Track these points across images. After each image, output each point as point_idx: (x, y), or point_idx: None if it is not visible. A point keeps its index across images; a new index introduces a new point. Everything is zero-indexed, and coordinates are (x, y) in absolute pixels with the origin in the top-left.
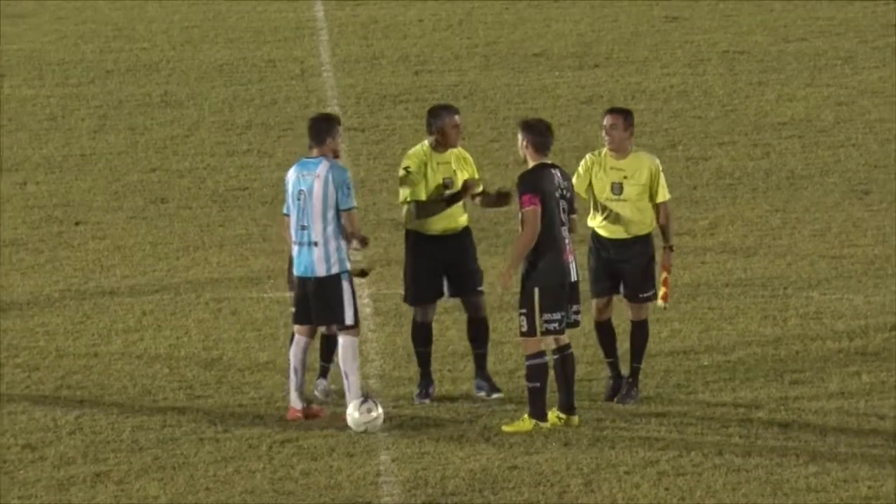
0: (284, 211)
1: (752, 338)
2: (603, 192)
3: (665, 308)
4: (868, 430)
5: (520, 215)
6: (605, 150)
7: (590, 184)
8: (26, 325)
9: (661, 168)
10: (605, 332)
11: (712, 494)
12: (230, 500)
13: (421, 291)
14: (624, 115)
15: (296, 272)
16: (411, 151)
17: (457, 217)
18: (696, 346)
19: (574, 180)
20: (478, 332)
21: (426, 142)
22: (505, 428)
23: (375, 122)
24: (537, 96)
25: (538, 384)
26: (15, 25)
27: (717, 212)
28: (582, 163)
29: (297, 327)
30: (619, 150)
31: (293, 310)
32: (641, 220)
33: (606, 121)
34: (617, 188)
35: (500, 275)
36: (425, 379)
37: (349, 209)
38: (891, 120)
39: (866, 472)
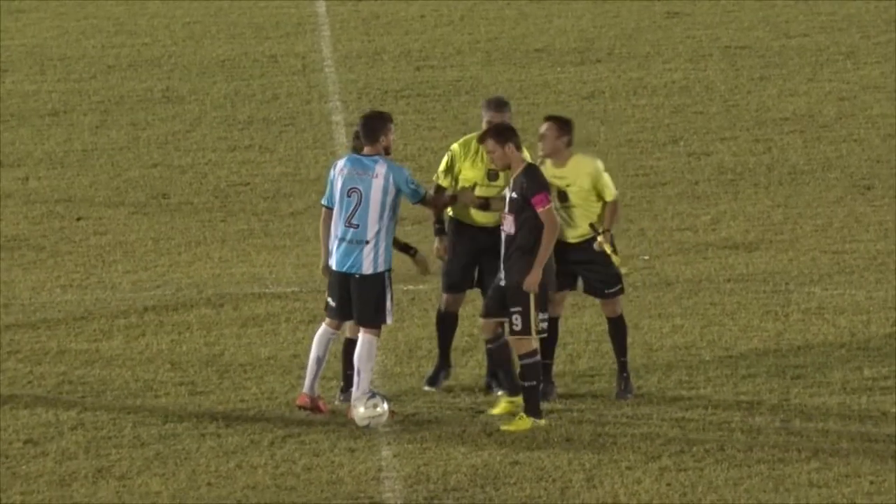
0: (325, 203)
1: (753, 333)
2: (554, 202)
3: (617, 263)
4: (870, 426)
5: (510, 217)
6: (546, 159)
7: None
8: (28, 321)
9: (601, 169)
10: (549, 328)
11: (714, 490)
12: (232, 496)
13: (454, 280)
14: (558, 123)
15: (336, 267)
16: (465, 137)
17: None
18: (698, 342)
19: None
20: None
21: None
22: (504, 427)
23: None
24: (539, 92)
25: (534, 382)
26: (16, 20)
27: (719, 207)
28: None
29: (328, 319)
30: (555, 158)
31: (331, 303)
32: (590, 223)
33: (541, 128)
34: (563, 196)
35: (530, 280)
36: (440, 365)
37: (422, 198)
38: (892, 115)
39: (868, 468)
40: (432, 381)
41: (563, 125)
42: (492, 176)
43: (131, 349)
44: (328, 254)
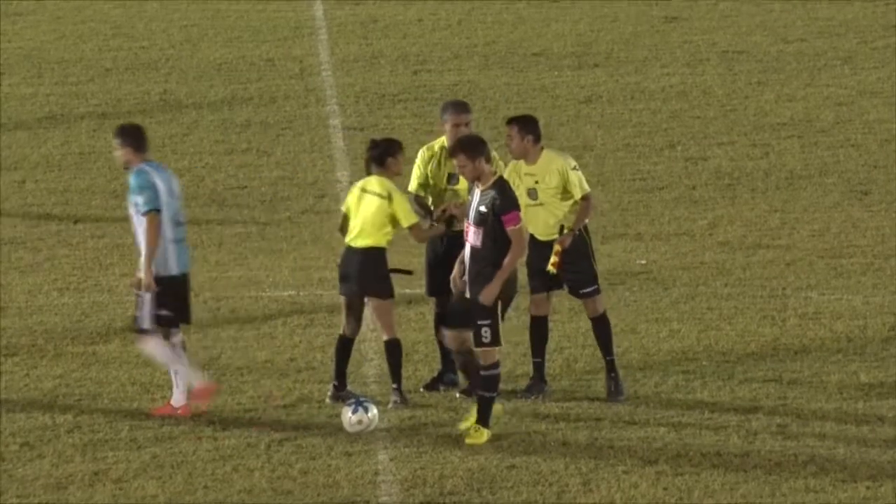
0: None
1: (750, 338)
2: (522, 199)
3: (552, 273)
4: (867, 431)
5: (478, 230)
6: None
7: None
8: (25, 324)
9: (572, 166)
10: (539, 327)
11: (710, 494)
12: (228, 499)
13: (434, 284)
14: (519, 123)
15: (182, 269)
16: (428, 144)
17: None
18: (695, 346)
19: None
20: None
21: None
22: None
23: (374, 121)
24: (536, 96)
25: (494, 394)
26: (14, 23)
27: (716, 212)
28: (504, 173)
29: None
30: (524, 158)
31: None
32: (559, 222)
33: (507, 131)
34: (533, 193)
35: (487, 293)
36: (443, 369)
37: (146, 213)
38: (890, 120)
39: (865, 473)
40: (431, 385)
41: (525, 124)
42: (452, 179)
43: (128, 352)
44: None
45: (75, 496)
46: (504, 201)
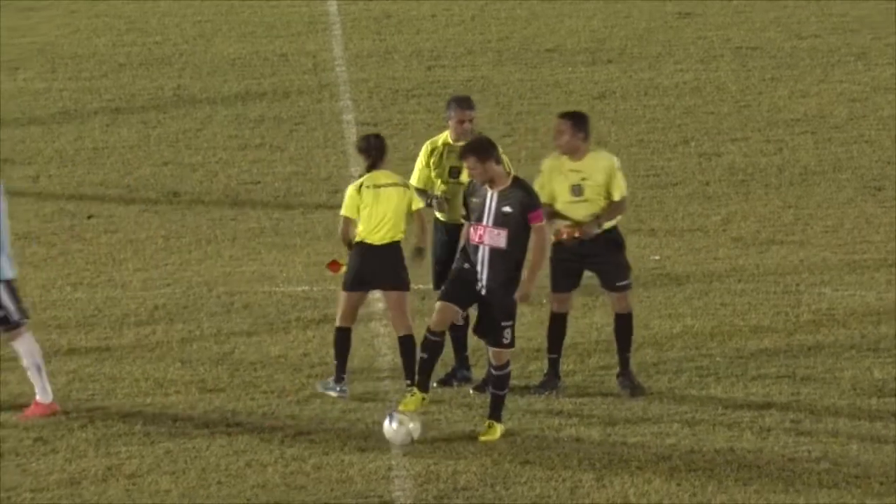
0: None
1: (764, 334)
2: (563, 195)
3: (562, 239)
4: (880, 427)
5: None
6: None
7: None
8: (38, 319)
9: (618, 166)
10: (559, 324)
11: (724, 490)
12: (242, 494)
13: (442, 277)
14: (573, 119)
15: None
16: (433, 138)
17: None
18: (708, 343)
19: (535, 185)
20: None
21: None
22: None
23: (388, 116)
24: (550, 92)
25: (506, 392)
26: (27, 18)
27: (730, 207)
28: (543, 167)
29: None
30: (573, 154)
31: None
32: None
33: (556, 125)
34: (577, 190)
35: (525, 291)
36: (457, 364)
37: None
38: None
39: (878, 469)
40: (445, 380)
41: (578, 121)
42: (453, 173)
43: (142, 347)
44: None
45: (88, 491)
46: (533, 199)
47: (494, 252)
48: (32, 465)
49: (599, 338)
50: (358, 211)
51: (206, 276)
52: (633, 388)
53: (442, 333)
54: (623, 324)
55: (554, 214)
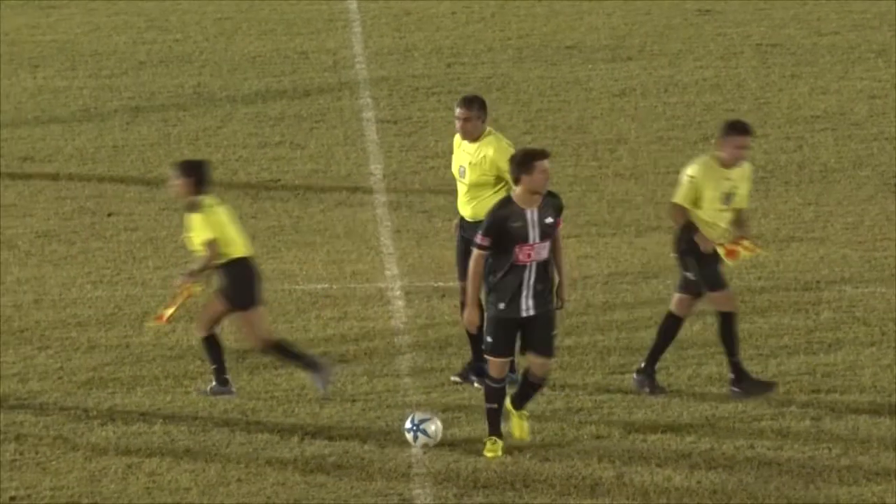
0: None
1: (784, 331)
2: (713, 202)
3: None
4: None
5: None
6: (708, 159)
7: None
8: (58, 317)
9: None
10: (675, 326)
11: (744, 487)
12: (262, 492)
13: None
14: (752, 133)
15: None
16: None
17: (463, 206)
18: None
19: (682, 191)
20: None
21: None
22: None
23: (408, 113)
24: (570, 89)
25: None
26: (48, 16)
27: (750, 204)
28: (693, 173)
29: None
30: (735, 163)
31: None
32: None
33: (741, 140)
34: (729, 198)
35: (566, 295)
36: (473, 358)
37: None
38: None
39: None
40: (462, 374)
41: (741, 129)
42: (461, 171)
43: (161, 345)
44: None
45: (109, 489)
46: (561, 207)
47: (540, 265)
48: (52, 463)
49: (619, 335)
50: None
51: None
52: (740, 386)
53: (503, 379)
54: (729, 321)
55: (691, 221)
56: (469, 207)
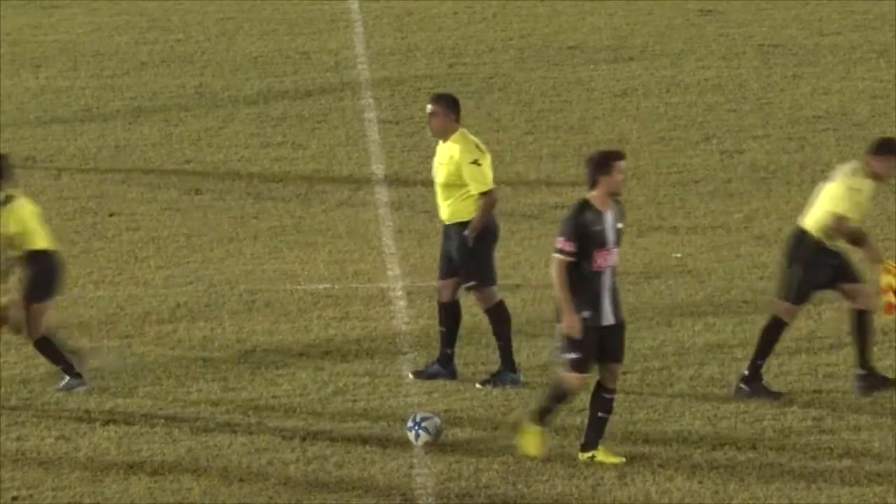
0: None
1: (785, 331)
2: (863, 218)
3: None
4: None
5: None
6: (857, 169)
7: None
8: (60, 317)
9: None
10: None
11: (746, 488)
12: (263, 492)
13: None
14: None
15: None
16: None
17: (440, 207)
18: (730, 340)
19: (845, 202)
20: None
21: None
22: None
23: (409, 114)
24: (572, 89)
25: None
26: (50, 16)
27: (752, 205)
28: (856, 185)
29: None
30: (885, 178)
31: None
32: None
33: (891, 164)
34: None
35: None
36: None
37: None
38: None
39: None
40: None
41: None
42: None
43: (163, 345)
44: None
45: (111, 489)
46: (625, 209)
47: (612, 271)
48: (55, 463)
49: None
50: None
51: (227, 274)
52: (871, 385)
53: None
54: (864, 320)
55: (863, 233)
56: (444, 208)
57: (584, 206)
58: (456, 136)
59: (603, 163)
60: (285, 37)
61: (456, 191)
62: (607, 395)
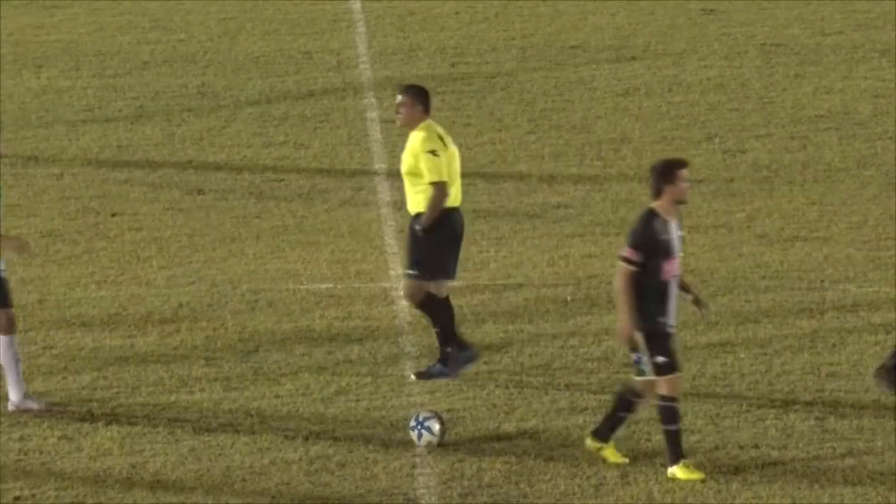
0: None
1: (788, 331)
2: None
3: None
4: None
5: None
6: None
7: None
8: (62, 317)
9: None
10: None
11: (749, 487)
12: (266, 492)
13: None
14: None
15: None
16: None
17: (407, 201)
18: (733, 339)
19: None
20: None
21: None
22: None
23: None
24: (574, 89)
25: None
26: (52, 16)
27: (754, 204)
28: None
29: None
30: None
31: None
32: None
33: None
34: None
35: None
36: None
37: None
38: None
39: None
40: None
41: None
42: None
43: (166, 345)
44: None
45: (113, 489)
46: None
47: (677, 280)
48: (57, 463)
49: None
50: None
51: (230, 274)
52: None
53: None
54: None
55: None
56: (408, 198)
57: (652, 215)
58: (422, 125)
59: (667, 171)
60: (287, 37)
61: (417, 180)
62: (673, 405)
